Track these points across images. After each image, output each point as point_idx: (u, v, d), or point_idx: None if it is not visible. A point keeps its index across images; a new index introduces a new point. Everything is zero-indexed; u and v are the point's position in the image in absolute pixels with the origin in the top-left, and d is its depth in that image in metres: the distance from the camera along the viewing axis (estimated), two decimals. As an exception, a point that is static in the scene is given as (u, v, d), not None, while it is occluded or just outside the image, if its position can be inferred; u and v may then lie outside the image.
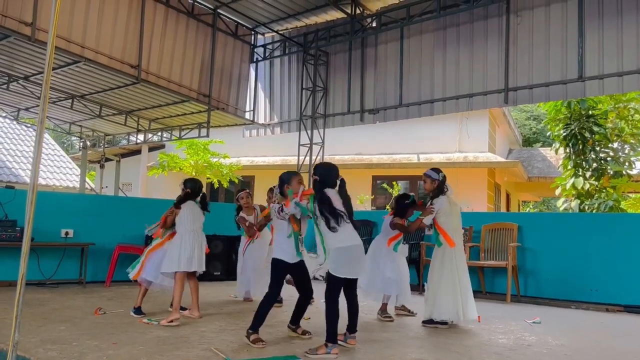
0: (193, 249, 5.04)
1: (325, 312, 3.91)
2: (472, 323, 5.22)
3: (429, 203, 5.25)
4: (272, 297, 4.26)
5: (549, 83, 8.39)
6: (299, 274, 4.39)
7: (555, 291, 7.29)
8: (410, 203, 5.54)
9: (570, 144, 12.05)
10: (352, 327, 4.07)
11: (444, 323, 5.11)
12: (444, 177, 5.25)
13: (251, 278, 6.18)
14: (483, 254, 7.83)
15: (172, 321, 4.71)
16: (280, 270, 4.29)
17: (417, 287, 7.80)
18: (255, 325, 4.12)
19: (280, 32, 11.75)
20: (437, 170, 5.29)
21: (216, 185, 16.23)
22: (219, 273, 8.42)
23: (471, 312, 5.12)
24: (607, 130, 11.91)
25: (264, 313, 4.17)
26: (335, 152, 14.97)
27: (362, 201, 13.69)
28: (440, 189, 5.20)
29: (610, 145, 12.08)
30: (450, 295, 5.04)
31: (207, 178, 16.64)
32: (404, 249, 5.77)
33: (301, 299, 4.45)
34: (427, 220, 5.19)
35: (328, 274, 3.99)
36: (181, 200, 5.18)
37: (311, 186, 4.15)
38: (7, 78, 10.71)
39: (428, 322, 5.14)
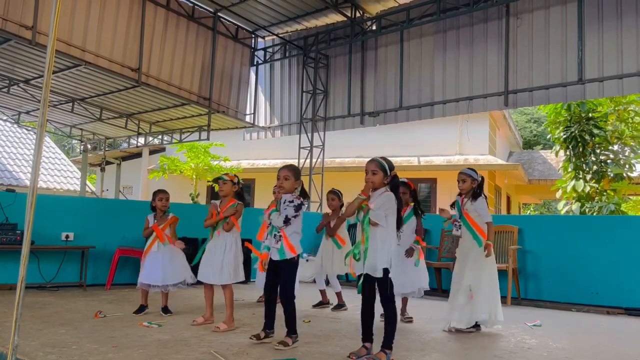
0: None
1: (391, 318, 3.80)
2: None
3: (469, 202, 5.00)
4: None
5: (549, 85, 8.41)
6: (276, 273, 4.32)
7: (556, 294, 7.28)
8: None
9: (570, 147, 12.06)
10: (370, 336, 3.91)
11: (477, 326, 4.99)
12: (483, 178, 5.11)
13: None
14: (483, 256, 7.81)
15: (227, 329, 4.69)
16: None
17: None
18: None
19: (280, 36, 11.78)
20: (475, 170, 5.11)
21: (217, 189, 16.23)
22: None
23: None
24: (607, 133, 11.92)
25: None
26: (335, 154, 14.98)
27: (362, 204, 13.66)
28: (480, 188, 5.03)
29: (610, 147, 12.09)
30: (491, 296, 4.98)
31: (208, 181, 16.66)
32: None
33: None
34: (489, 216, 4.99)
35: (384, 278, 3.75)
36: (243, 198, 4.97)
37: (386, 182, 3.85)
38: (7, 81, 10.74)
39: (475, 327, 4.98)
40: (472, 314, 4.93)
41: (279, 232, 4.21)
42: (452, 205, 5.23)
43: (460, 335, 4.90)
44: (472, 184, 5.01)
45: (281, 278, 4.25)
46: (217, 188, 5.16)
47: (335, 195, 6.32)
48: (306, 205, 4.41)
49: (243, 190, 5.08)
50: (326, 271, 6.31)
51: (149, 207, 5.64)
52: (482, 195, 5.03)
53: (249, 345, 4.10)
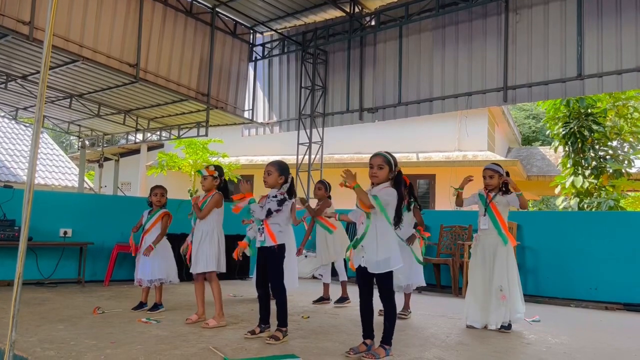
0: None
1: (391, 314, 3.76)
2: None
3: (498, 195, 4.95)
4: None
5: (548, 81, 8.39)
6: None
7: (555, 290, 7.29)
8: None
9: (569, 143, 12.05)
10: (371, 333, 3.85)
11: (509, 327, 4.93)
12: (508, 173, 5.04)
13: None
14: (482, 252, 7.81)
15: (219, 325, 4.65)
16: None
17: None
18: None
19: (279, 31, 11.74)
20: (500, 165, 5.06)
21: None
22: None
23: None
24: (606, 129, 11.92)
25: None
26: (334, 151, 14.97)
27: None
28: (507, 184, 4.96)
29: (609, 143, 12.09)
30: (520, 294, 4.96)
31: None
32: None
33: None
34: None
35: (385, 273, 3.70)
36: (226, 191, 4.93)
37: (391, 178, 3.88)
38: (5, 77, 10.69)
39: (508, 328, 4.90)
40: (508, 314, 4.91)
41: (262, 225, 4.29)
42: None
43: (458, 331, 4.90)
44: (500, 180, 4.97)
45: (268, 270, 4.28)
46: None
47: (322, 185, 6.32)
48: (292, 202, 4.43)
49: (227, 183, 5.04)
50: (331, 260, 6.29)
51: (147, 203, 5.65)
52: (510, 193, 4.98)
53: (247, 341, 4.10)
